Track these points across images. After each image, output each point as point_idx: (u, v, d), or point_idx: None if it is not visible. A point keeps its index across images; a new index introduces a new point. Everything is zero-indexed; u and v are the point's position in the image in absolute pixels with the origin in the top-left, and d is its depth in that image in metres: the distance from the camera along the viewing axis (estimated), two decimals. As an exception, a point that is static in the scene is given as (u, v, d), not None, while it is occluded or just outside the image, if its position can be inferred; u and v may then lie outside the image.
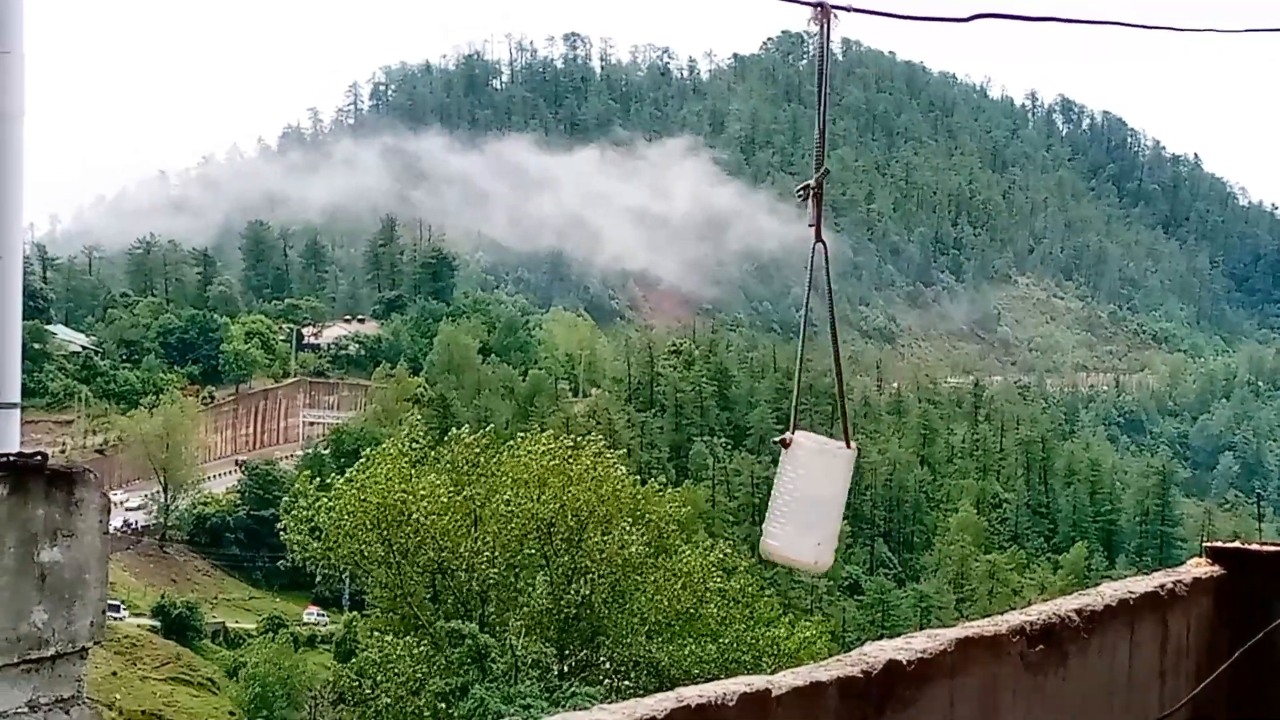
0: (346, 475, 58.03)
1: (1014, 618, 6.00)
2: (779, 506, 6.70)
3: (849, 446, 6.83)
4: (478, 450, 56.81)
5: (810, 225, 6.71)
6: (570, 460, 55.02)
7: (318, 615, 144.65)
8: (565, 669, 53.46)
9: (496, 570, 53.96)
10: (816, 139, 6.89)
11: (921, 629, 5.81)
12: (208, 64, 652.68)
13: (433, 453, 58.97)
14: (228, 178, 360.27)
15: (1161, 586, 7.13)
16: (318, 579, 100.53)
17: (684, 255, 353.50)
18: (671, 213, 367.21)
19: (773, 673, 4.72)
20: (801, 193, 6.77)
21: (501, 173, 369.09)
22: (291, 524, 57.82)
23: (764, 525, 6.81)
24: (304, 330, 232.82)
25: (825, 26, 6.57)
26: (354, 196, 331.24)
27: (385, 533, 53.16)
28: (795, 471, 6.69)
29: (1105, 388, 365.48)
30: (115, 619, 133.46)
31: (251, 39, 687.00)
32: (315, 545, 56.17)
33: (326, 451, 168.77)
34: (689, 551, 57.80)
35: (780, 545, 6.73)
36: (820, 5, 6.52)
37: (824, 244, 6.74)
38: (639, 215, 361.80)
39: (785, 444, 6.73)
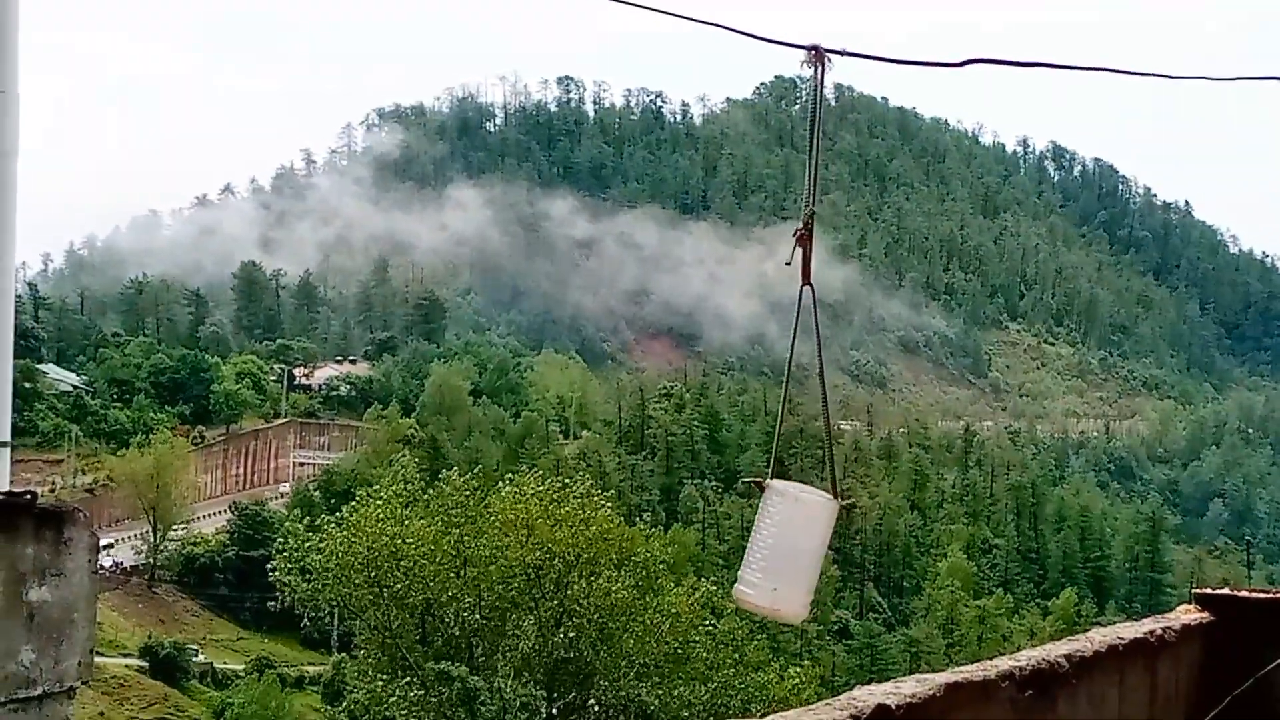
0: (337, 517, 58.02)
1: (1003, 663, 5.98)
2: (753, 553, 6.46)
3: (835, 496, 6.52)
4: (468, 492, 56.78)
5: (787, 264, 6.53)
6: (558, 502, 54.96)
7: None
8: (554, 712, 53.24)
9: (485, 612, 53.84)
10: (807, 183, 6.83)
11: (911, 674, 5.77)
12: (201, 103, 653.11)
13: (424, 494, 58.94)
14: (221, 217, 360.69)
15: (1151, 633, 7.12)
16: (305, 620, 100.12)
17: (677, 298, 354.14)
18: (669, 252, 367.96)
19: (762, 717, 4.71)
20: (796, 236, 6.67)
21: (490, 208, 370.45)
22: (283, 565, 57.77)
23: (740, 570, 6.56)
24: (295, 371, 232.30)
25: (819, 71, 6.57)
26: (344, 238, 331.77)
27: (375, 574, 53.08)
28: (772, 519, 6.43)
29: (1095, 434, 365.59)
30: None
31: (244, 80, 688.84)
32: (306, 586, 56.11)
33: (317, 492, 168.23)
34: (675, 592, 57.76)
35: (753, 594, 6.44)
36: (814, 49, 6.54)
37: (812, 286, 6.61)
38: (625, 257, 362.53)
39: (760, 487, 6.49)
